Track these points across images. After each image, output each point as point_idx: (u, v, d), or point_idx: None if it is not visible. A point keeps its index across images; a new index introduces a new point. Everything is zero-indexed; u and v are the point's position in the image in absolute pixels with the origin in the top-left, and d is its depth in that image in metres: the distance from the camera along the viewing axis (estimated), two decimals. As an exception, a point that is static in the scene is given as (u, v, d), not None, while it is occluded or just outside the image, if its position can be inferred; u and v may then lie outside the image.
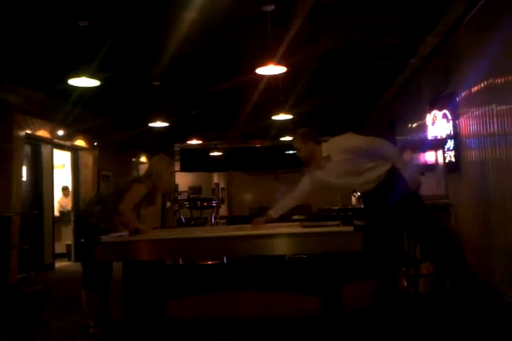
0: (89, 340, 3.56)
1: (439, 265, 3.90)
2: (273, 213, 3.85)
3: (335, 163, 3.66)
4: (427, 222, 3.61)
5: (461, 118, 4.81)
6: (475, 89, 4.43)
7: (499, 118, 3.92)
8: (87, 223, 3.67)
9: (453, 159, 5.02)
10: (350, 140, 3.71)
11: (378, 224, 3.64)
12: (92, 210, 3.70)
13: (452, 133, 5.02)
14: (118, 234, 3.64)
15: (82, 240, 3.58)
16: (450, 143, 5.08)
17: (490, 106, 4.09)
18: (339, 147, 3.66)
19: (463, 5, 4.34)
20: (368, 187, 3.70)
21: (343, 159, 3.61)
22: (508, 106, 3.74)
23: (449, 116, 5.08)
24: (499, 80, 3.92)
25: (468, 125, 4.63)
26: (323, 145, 3.74)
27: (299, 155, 3.81)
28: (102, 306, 3.74)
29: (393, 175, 3.57)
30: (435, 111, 5.51)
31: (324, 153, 3.69)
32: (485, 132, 4.22)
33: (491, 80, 4.06)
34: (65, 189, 9.11)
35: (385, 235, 3.62)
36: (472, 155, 4.58)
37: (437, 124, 5.45)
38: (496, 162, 4.03)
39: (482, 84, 4.26)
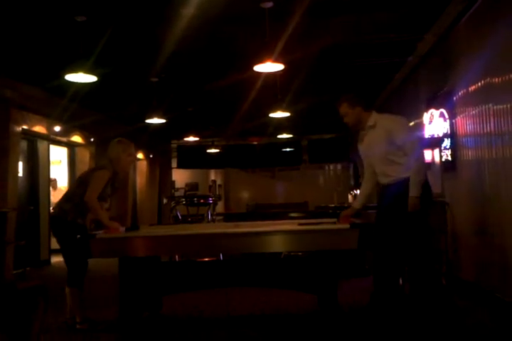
0: (85, 336, 3.56)
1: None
2: (356, 204, 3.84)
3: (375, 135, 3.65)
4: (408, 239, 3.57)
5: (458, 117, 4.83)
6: (472, 88, 4.44)
7: (496, 118, 3.93)
8: (63, 221, 3.69)
9: (449, 158, 5.03)
10: (396, 124, 3.65)
11: (383, 223, 3.64)
12: (63, 208, 3.73)
13: (449, 132, 5.03)
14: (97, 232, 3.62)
15: (79, 236, 3.58)
16: (447, 142, 5.09)
17: (487, 106, 4.10)
18: (386, 123, 3.63)
19: (461, 4, 4.35)
20: (383, 180, 3.67)
21: (380, 136, 3.60)
22: (505, 106, 3.75)
23: (446, 115, 5.09)
24: (496, 79, 3.93)
25: (465, 124, 4.64)
26: (374, 114, 3.72)
27: (346, 121, 3.77)
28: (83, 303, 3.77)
29: (406, 187, 3.50)
30: (432, 110, 5.52)
31: (370, 122, 3.67)
32: (481, 131, 4.24)
33: (488, 79, 4.07)
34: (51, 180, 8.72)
35: (388, 234, 3.61)
36: (468, 154, 4.59)
37: (434, 123, 5.46)
38: (492, 161, 4.05)
39: (479, 84, 4.27)
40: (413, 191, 3.45)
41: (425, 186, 3.59)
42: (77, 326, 3.68)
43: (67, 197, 3.87)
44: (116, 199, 10.40)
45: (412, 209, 3.44)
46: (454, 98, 4.89)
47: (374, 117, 3.71)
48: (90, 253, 3.42)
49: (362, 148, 3.85)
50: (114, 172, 3.80)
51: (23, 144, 7.38)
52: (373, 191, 4.02)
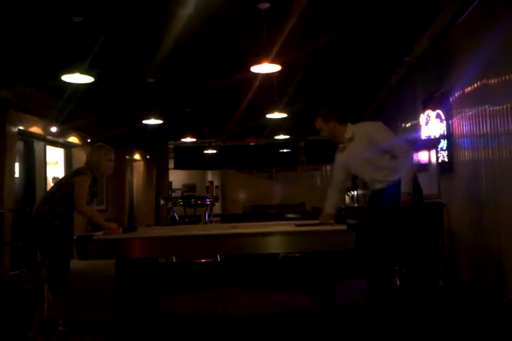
0: (80, 338, 3.55)
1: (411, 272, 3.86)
2: (329, 210, 3.80)
3: (356, 146, 3.63)
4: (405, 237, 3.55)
5: (455, 118, 4.84)
6: (468, 89, 4.46)
7: (492, 119, 3.94)
8: (40, 223, 3.68)
9: (446, 159, 5.05)
10: (375, 129, 3.64)
11: (373, 225, 3.64)
12: (41, 211, 3.72)
13: (445, 133, 5.04)
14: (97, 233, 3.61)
15: (75, 237, 3.57)
16: (443, 143, 5.11)
17: (483, 107, 4.11)
18: (363, 131, 3.62)
19: (457, 5, 4.36)
20: (376, 186, 3.66)
21: (362, 145, 3.59)
22: (501, 107, 3.77)
23: (443, 116, 5.10)
24: (492, 81, 3.94)
25: (462, 125, 4.66)
26: (349, 126, 3.71)
27: (322, 135, 3.83)
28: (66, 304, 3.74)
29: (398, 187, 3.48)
30: (429, 111, 5.53)
31: (348, 135, 3.67)
32: (478, 132, 4.25)
33: (485, 81, 4.09)
34: (54, 179, 8.71)
35: (378, 236, 3.61)
36: (465, 155, 4.61)
37: (431, 124, 5.47)
38: (489, 162, 4.06)
39: (475, 85, 4.29)
40: (405, 187, 3.44)
41: (416, 187, 3.57)
42: (60, 328, 3.65)
43: (45, 199, 3.86)
44: (113, 201, 10.38)
45: (405, 205, 3.43)
46: (451, 99, 4.91)
47: (350, 129, 3.69)
48: (71, 255, 3.41)
49: (341, 159, 3.80)
50: (93, 177, 3.82)
51: (20, 145, 7.36)
52: (341, 201, 4.03)
